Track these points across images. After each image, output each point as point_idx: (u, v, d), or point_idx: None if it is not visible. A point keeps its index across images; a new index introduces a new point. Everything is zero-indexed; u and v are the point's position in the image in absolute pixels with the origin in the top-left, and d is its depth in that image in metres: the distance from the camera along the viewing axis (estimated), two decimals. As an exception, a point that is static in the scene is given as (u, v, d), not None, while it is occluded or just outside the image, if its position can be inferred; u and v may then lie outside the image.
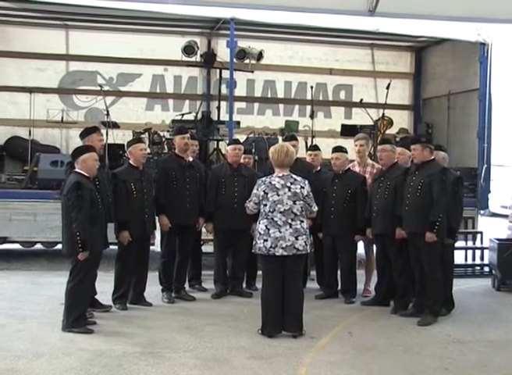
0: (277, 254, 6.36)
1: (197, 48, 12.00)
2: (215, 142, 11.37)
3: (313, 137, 11.42)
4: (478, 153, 10.94)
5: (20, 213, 9.76)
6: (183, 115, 11.65)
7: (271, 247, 6.36)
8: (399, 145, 7.94)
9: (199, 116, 11.69)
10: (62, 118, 11.40)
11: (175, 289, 7.97)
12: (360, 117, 12.00)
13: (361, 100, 11.52)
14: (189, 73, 12.73)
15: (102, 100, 10.77)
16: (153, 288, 7.83)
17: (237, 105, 11.86)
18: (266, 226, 6.42)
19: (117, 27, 12.07)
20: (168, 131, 11.13)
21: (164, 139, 11.11)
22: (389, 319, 7.24)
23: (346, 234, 7.93)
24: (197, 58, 12.14)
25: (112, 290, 7.48)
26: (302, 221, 6.47)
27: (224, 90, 11.59)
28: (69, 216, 6.31)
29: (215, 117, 11.80)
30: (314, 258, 8.56)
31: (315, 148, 8.68)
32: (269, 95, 13.13)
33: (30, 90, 11.72)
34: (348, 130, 11.38)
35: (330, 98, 13.25)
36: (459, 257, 9.75)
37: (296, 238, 6.38)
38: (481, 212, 10.97)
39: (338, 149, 8.17)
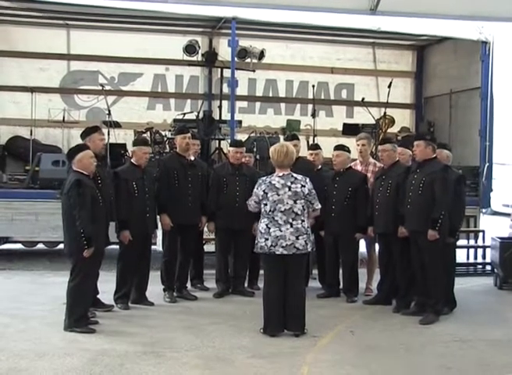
0: (277, 253, 6.36)
1: (199, 47, 12.00)
2: (217, 141, 11.37)
3: (315, 136, 11.41)
4: (479, 151, 10.95)
5: (22, 213, 9.75)
6: (184, 114, 11.64)
7: (271, 246, 6.36)
8: (399, 145, 7.92)
9: (200, 115, 11.68)
10: (64, 118, 11.41)
11: (177, 288, 7.97)
12: (362, 116, 11.99)
13: (363, 99, 11.51)
14: (190, 72, 12.73)
15: (104, 99, 10.80)
16: (155, 288, 7.82)
17: (239, 104, 11.86)
18: (267, 225, 6.43)
19: (118, 27, 12.07)
20: (169, 131, 11.12)
21: (165, 138, 11.11)
22: (391, 318, 7.24)
23: (348, 233, 7.93)
24: (199, 57, 12.15)
25: (113, 289, 7.48)
26: (303, 220, 6.46)
27: (225, 89, 11.58)
28: (71, 215, 6.31)
29: (216, 116, 11.80)
30: (316, 257, 8.56)
31: (316, 147, 8.68)
32: (271, 94, 13.12)
33: (32, 89, 11.72)
34: (350, 129, 11.39)
35: (332, 97, 13.23)
36: (461, 256, 9.73)
37: (297, 238, 6.37)
38: (483, 210, 10.97)
39: (339, 147, 8.15)
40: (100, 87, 10.96)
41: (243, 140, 9.93)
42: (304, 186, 6.50)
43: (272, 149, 6.68)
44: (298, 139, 8.39)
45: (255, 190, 6.60)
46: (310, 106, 12.27)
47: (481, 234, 10.49)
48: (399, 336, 6.61)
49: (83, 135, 7.14)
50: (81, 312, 6.44)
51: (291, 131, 11.12)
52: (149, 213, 7.49)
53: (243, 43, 11.59)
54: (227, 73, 11.24)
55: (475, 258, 10.44)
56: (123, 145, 10.72)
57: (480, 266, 10.34)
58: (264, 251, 6.45)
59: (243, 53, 11.81)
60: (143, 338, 6.30)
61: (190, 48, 11.87)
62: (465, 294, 8.34)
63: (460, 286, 8.36)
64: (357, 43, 13.05)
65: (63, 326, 6.43)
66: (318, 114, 12.11)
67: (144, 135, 10.62)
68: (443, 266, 7.12)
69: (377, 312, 7.51)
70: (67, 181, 6.46)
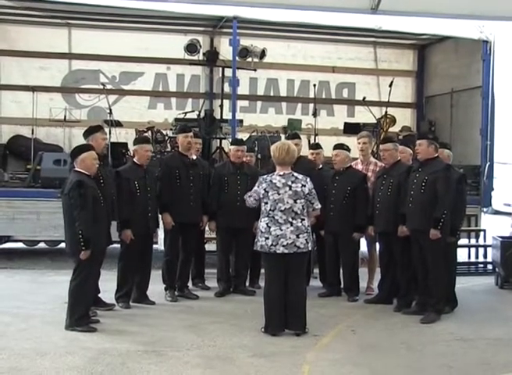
0: (278, 252, 6.36)
1: (200, 46, 12.00)
2: (218, 140, 11.37)
3: (316, 135, 11.42)
4: (481, 151, 10.94)
5: (23, 212, 9.76)
6: (185, 113, 11.65)
7: (272, 244, 6.37)
8: (400, 144, 7.92)
9: (202, 114, 11.68)
10: (65, 117, 11.40)
11: (178, 287, 7.98)
12: (363, 115, 11.98)
13: (364, 98, 11.50)
14: (191, 71, 12.72)
15: (105, 98, 10.82)
16: (156, 287, 7.83)
17: (240, 103, 11.83)
18: (267, 223, 6.43)
19: (119, 26, 12.08)
20: (171, 130, 11.14)
21: (167, 137, 11.12)
22: (393, 317, 7.24)
23: (347, 232, 7.92)
24: (200, 56, 12.16)
25: (115, 288, 7.49)
26: (303, 219, 6.46)
27: (227, 88, 11.58)
28: (72, 215, 6.31)
29: (217, 115, 11.79)
30: (317, 256, 8.56)
31: (317, 146, 8.69)
32: (272, 93, 13.12)
33: (33, 89, 11.72)
34: (351, 128, 11.38)
35: (333, 96, 13.22)
36: (462, 255, 9.75)
37: (298, 236, 6.38)
38: (484, 209, 10.97)
39: (338, 146, 8.15)
40: (101, 86, 10.99)
41: (245, 139, 9.93)
42: (305, 185, 6.50)
43: (273, 147, 6.69)
44: (299, 138, 8.40)
45: (256, 187, 6.60)
46: (311, 105, 12.28)
47: (482, 233, 10.50)
48: (400, 335, 6.62)
49: (86, 134, 7.14)
50: (82, 311, 6.44)
51: (292, 130, 11.11)
52: (151, 212, 7.49)
53: (245, 42, 11.59)
54: (228, 72, 11.24)
55: (476, 257, 10.43)
56: (124, 144, 10.73)
57: (481, 265, 10.33)
58: (264, 251, 6.46)
59: (245, 52, 11.81)
60: (144, 337, 6.30)
61: (191, 47, 11.86)
62: (466, 293, 8.34)
63: (461, 285, 8.36)
64: (358, 42, 13.04)
65: (64, 325, 6.43)
66: (319, 113, 12.12)
67: (146, 134, 10.63)
68: (445, 265, 7.12)
69: (378, 312, 7.51)
70: (68, 181, 6.46)
